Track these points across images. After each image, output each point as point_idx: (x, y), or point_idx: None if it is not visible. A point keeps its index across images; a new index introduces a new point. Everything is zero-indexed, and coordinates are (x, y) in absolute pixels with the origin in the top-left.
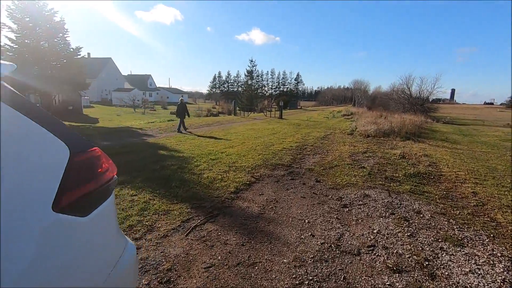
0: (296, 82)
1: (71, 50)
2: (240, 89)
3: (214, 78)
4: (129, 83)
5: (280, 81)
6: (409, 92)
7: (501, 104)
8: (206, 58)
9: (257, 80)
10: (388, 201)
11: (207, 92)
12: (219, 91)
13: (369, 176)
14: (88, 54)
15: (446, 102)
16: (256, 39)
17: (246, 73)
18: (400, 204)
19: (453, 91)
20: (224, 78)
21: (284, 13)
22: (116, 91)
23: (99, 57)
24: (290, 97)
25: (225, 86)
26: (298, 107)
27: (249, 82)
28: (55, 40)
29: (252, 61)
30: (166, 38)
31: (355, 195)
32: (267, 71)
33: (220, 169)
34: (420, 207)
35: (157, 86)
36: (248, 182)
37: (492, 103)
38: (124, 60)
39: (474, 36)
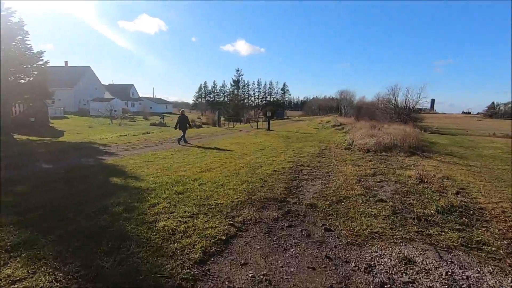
0: (282, 92)
1: (32, 54)
2: (226, 99)
3: (200, 88)
4: (110, 93)
5: (267, 91)
6: (395, 102)
7: (477, 114)
8: (191, 68)
9: (244, 90)
10: (446, 272)
11: (193, 102)
12: (205, 101)
13: (395, 216)
14: (66, 62)
15: (426, 111)
16: (242, 50)
17: (232, 83)
18: (467, 279)
19: (433, 101)
20: (210, 88)
21: (269, 25)
22: (94, 101)
23: (77, 66)
24: (276, 107)
25: (211, 96)
26: (285, 117)
27: (236, 91)
28: (13, 43)
29: (238, 70)
30: (150, 48)
31: (390, 258)
32: (254, 81)
33: (186, 212)
34: (498, 283)
35: (140, 96)
36: (224, 237)
37: (469, 113)
38: (107, 70)
39: (451, 48)
